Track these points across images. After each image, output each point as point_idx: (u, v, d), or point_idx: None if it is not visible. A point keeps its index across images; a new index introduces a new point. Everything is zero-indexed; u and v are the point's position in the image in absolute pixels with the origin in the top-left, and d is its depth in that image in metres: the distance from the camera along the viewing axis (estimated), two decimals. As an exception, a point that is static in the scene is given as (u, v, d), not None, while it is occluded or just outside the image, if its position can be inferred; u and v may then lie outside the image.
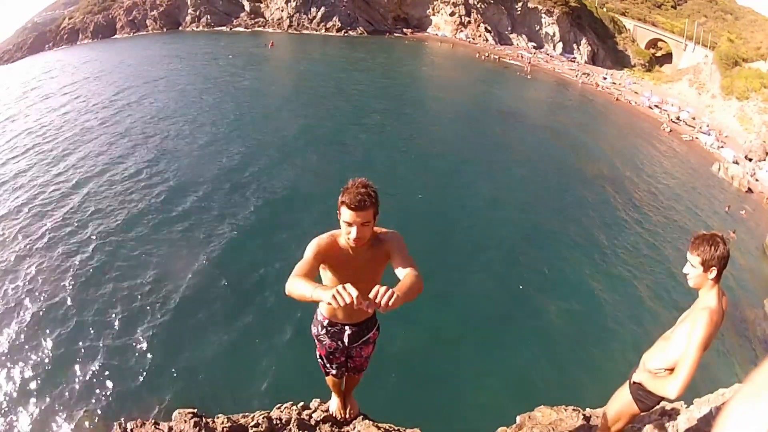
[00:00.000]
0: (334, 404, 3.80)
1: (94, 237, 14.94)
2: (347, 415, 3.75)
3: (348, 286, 1.88)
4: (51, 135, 24.00)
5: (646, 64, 55.42)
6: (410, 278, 2.22)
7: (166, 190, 17.75)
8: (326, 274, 2.69)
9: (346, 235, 2.44)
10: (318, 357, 3.21)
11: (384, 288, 1.90)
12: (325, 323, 2.91)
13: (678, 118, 39.64)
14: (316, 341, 3.10)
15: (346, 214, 2.36)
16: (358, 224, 2.36)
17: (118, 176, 18.93)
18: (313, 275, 2.36)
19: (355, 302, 1.86)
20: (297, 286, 2.15)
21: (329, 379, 3.47)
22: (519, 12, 55.96)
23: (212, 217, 16.14)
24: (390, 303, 1.88)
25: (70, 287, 12.74)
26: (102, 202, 17.00)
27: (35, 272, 13.40)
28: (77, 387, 9.93)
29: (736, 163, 32.14)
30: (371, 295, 1.89)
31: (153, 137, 22.84)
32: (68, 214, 16.30)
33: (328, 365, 3.21)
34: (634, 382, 2.85)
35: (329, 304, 1.91)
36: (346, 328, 2.91)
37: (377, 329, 3.06)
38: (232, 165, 20.10)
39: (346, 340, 2.92)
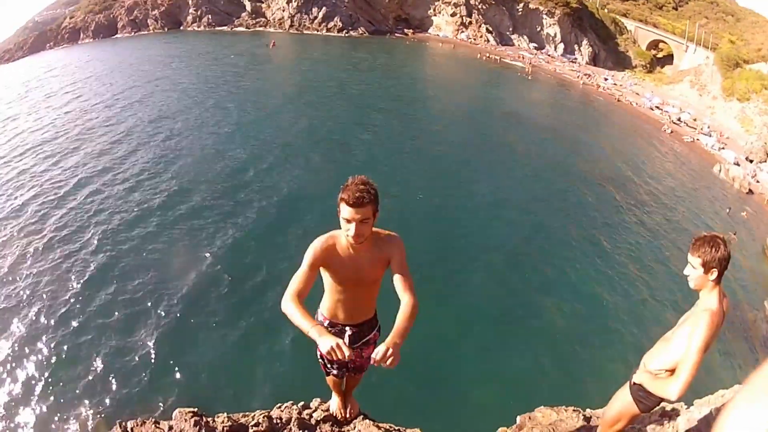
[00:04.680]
0: (334, 404, 3.79)
1: (95, 236, 14.94)
2: (347, 415, 3.74)
3: (343, 346, 2.00)
4: (52, 134, 24.01)
5: (647, 66, 55.39)
6: (407, 316, 2.29)
7: (168, 190, 17.74)
8: (326, 276, 2.67)
9: (345, 232, 2.43)
10: (318, 357, 3.19)
11: (385, 349, 2.00)
12: (325, 323, 2.87)
13: (679, 120, 39.62)
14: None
15: (345, 210, 2.36)
16: (356, 221, 2.36)
17: (120, 176, 18.93)
18: (310, 286, 2.44)
19: (348, 360, 2.02)
20: (294, 316, 2.23)
21: (330, 379, 3.46)
22: (520, 13, 55.93)
23: (213, 217, 16.14)
24: (394, 363, 1.99)
25: (72, 286, 12.75)
26: (104, 202, 16.98)
27: (37, 271, 13.42)
28: (79, 386, 9.94)
29: (737, 164, 32.13)
30: (375, 356, 1.99)
31: (155, 137, 22.86)
32: (70, 214, 16.30)
33: (328, 365, 3.20)
34: (635, 383, 2.85)
35: (326, 353, 2.05)
36: (347, 328, 2.89)
37: (378, 330, 3.05)
38: (234, 165, 20.11)
39: (346, 340, 2.91)
